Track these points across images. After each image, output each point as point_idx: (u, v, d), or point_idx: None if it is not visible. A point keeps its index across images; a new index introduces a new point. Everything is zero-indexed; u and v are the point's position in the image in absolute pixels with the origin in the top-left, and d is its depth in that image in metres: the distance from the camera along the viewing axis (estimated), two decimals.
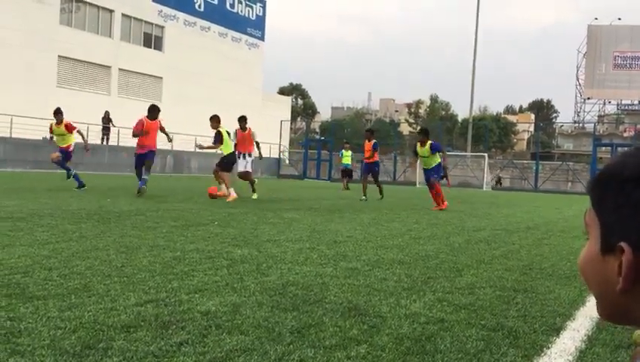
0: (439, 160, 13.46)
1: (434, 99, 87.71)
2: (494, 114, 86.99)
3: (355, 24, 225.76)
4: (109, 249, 5.00)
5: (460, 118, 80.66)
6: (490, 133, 59.97)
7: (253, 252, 5.24)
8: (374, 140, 15.97)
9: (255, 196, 12.96)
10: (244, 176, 13.60)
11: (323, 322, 3.00)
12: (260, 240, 6.04)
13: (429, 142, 13.26)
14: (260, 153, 13.83)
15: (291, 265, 4.63)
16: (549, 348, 2.83)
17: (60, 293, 3.31)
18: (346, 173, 23.31)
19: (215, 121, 13.15)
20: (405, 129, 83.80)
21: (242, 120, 13.74)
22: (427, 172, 13.62)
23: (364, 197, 15.07)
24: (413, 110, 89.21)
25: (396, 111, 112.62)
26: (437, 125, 62.03)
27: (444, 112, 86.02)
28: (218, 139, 13.06)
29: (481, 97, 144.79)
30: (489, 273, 4.76)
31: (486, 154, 40.60)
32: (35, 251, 4.68)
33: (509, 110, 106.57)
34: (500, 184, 39.65)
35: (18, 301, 3.09)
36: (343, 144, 26.17)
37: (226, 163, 13.06)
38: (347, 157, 23.61)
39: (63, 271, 3.92)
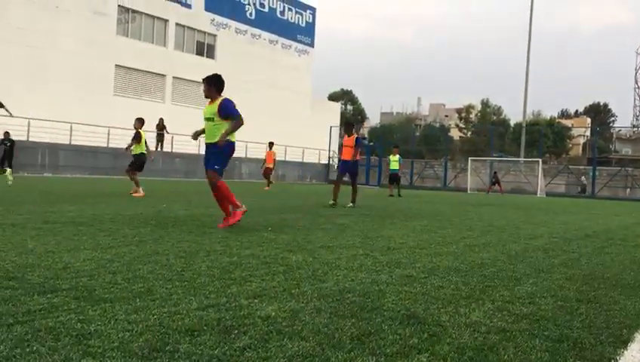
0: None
1: (485, 104, 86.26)
2: (548, 118, 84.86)
3: (406, 29, 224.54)
4: (168, 253, 5.12)
5: (512, 123, 79.08)
6: (544, 138, 58.50)
7: (307, 258, 5.27)
8: (357, 135, 13.76)
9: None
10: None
11: (382, 329, 2.99)
12: (313, 246, 6.08)
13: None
14: None
15: (346, 272, 4.64)
16: (616, 360, 2.75)
17: (125, 297, 3.42)
18: (394, 178, 23.02)
19: (139, 122, 15.09)
20: (456, 134, 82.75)
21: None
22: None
23: (332, 202, 12.96)
24: (463, 115, 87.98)
25: (446, 116, 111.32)
26: (489, 130, 60.99)
27: (495, 117, 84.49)
28: (136, 138, 14.96)
29: (535, 101, 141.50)
30: (549, 282, 4.65)
31: (540, 160, 39.66)
32: (98, 255, 4.84)
33: (564, 114, 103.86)
34: (584, 191, 38.20)
35: (86, 303, 3.20)
36: (392, 149, 26.02)
37: (139, 164, 15.15)
38: (395, 162, 23.36)
39: (126, 275, 4.04)
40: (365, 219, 9.94)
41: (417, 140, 65.36)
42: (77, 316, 2.94)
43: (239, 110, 7.64)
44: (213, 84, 7.76)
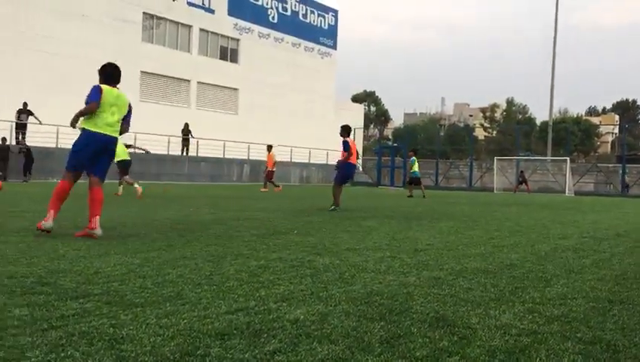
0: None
1: (510, 102, 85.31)
2: (575, 116, 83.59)
3: (428, 29, 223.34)
4: (196, 257, 5.17)
5: (538, 122, 78.09)
6: (571, 136, 57.67)
7: (334, 261, 5.27)
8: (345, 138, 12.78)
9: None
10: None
11: (412, 332, 2.98)
12: (340, 249, 6.08)
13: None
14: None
15: (374, 274, 4.63)
16: None
17: (155, 301, 3.46)
18: (414, 180, 23.16)
19: None
20: (480, 133, 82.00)
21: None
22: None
23: (335, 208, 12.17)
24: (488, 114, 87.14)
25: (471, 115, 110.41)
26: (514, 129, 60.31)
27: (520, 116, 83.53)
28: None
29: (561, 99, 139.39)
30: (580, 283, 4.58)
31: (568, 158, 39.09)
32: (128, 260, 4.90)
33: (592, 112, 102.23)
34: (628, 189, 37.25)
35: (118, 308, 3.25)
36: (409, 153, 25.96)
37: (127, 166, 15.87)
38: (416, 164, 23.50)
39: (156, 280, 4.09)
40: (391, 221, 9.91)
41: (442, 140, 64.95)
42: (109, 321, 2.99)
43: (93, 96, 6.54)
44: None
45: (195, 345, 2.65)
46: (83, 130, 6.63)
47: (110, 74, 6.77)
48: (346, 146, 12.65)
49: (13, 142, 25.15)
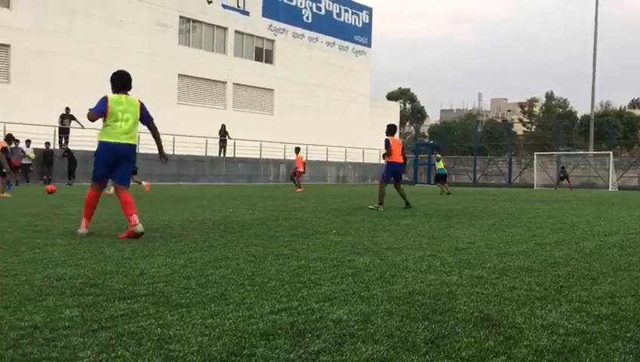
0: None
1: (550, 96, 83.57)
2: (618, 109, 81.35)
3: (465, 25, 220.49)
4: (238, 258, 5.23)
5: (579, 115, 76.30)
6: (614, 129, 56.16)
7: (375, 260, 5.26)
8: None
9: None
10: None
11: (456, 332, 2.96)
12: (380, 248, 6.06)
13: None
14: None
15: (415, 274, 4.61)
16: None
17: (200, 301, 3.51)
18: (441, 177, 24.18)
19: None
20: (519, 129, 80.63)
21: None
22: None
23: (380, 207, 12.19)
24: (527, 109, 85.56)
25: (509, 110, 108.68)
26: (554, 123, 59.09)
27: (561, 110, 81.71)
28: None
29: (603, 92, 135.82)
30: (628, 281, 4.46)
31: (610, 153, 38.12)
32: (172, 261, 4.99)
33: (635, 104, 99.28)
34: None
35: (164, 309, 3.31)
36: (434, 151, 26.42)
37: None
38: (440, 161, 24.89)
39: (199, 280, 4.15)
40: (430, 220, 9.83)
41: (479, 136, 64.07)
42: (156, 321, 3.05)
43: (97, 106, 6.75)
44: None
45: (241, 344, 2.68)
46: (99, 142, 6.83)
47: (119, 81, 6.89)
48: (386, 144, 12.75)
49: (57, 147, 25.86)
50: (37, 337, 2.73)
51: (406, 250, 5.95)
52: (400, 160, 12.98)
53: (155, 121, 7.29)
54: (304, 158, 25.35)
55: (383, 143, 12.85)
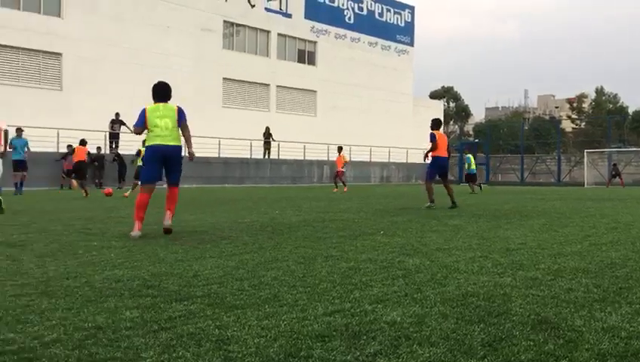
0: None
1: (599, 92, 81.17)
2: None
3: (509, 21, 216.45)
4: (288, 259, 5.27)
5: (630, 111, 73.88)
6: None
7: (425, 261, 5.23)
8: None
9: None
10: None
11: (513, 335, 2.91)
12: (429, 249, 6.02)
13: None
14: None
15: (467, 275, 4.56)
16: None
17: (254, 303, 3.56)
18: (471, 177, 24.35)
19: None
20: (568, 126, 78.61)
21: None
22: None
23: (433, 205, 12.26)
24: (575, 105, 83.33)
25: (556, 107, 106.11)
26: (605, 119, 57.40)
27: (611, 105, 79.28)
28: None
29: None
30: None
31: None
32: (223, 263, 5.07)
33: None
34: None
35: (220, 310, 3.37)
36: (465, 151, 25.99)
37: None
38: (472, 161, 24.86)
39: (252, 282, 4.21)
40: (478, 220, 9.69)
41: (526, 134, 62.76)
42: (214, 322, 3.11)
43: (138, 120, 7.47)
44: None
45: (298, 346, 2.71)
46: (146, 147, 7.49)
47: (158, 92, 7.50)
48: (432, 138, 12.55)
49: (107, 151, 26.58)
50: (100, 338, 2.82)
51: (456, 251, 5.89)
52: (445, 154, 12.70)
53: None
54: (346, 158, 25.29)
55: (429, 137, 12.65)
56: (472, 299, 3.70)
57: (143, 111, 7.38)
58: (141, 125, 7.38)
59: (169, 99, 7.55)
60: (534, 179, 41.93)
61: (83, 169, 18.91)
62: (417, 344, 2.76)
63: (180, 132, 7.45)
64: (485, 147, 45.00)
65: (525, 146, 48.53)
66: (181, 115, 7.46)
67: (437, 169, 12.77)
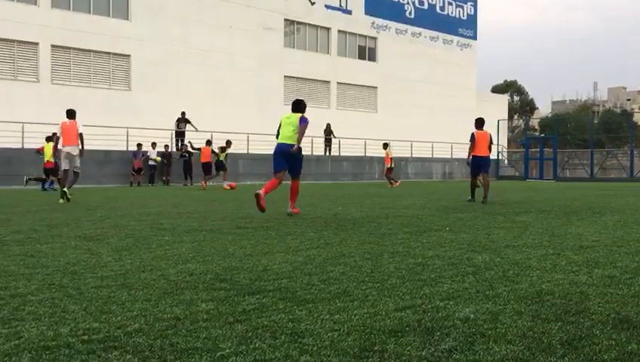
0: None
1: None
2: None
3: (578, 10, 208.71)
4: (354, 255, 5.29)
5: None
6: None
7: (494, 258, 5.13)
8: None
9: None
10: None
11: (594, 334, 2.83)
12: (497, 246, 5.90)
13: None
14: None
15: (540, 273, 4.45)
16: None
17: (324, 297, 3.59)
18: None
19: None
20: None
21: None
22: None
23: (472, 200, 13.20)
24: None
25: (628, 99, 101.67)
26: None
27: None
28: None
29: None
30: None
31: None
32: (291, 258, 5.14)
33: None
34: None
35: (292, 304, 3.43)
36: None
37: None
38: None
39: (321, 277, 4.24)
40: (547, 216, 9.42)
41: (596, 128, 60.44)
42: (286, 315, 3.16)
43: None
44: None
45: (371, 341, 2.72)
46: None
47: (293, 106, 9.93)
48: (471, 138, 13.49)
49: (174, 149, 27.35)
50: (180, 328, 2.92)
51: (526, 248, 5.75)
52: (484, 153, 13.39)
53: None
54: (390, 154, 25.52)
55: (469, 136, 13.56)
56: (548, 297, 3.61)
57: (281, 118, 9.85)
58: (277, 131, 9.73)
59: (302, 112, 9.72)
60: (605, 174, 40.34)
61: (209, 168, 23.00)
62: (493, 341, 2.72)
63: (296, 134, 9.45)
64: (553, 142, 43.59)
65: (595, 140, 46.74)
66: (301, 121, 9.54)
67: (475, 167, 13.61)
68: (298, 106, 9.76)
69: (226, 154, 23.03)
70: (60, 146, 13.08)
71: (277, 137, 9.62)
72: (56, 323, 3.02)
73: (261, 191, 8.86)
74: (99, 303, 3.47)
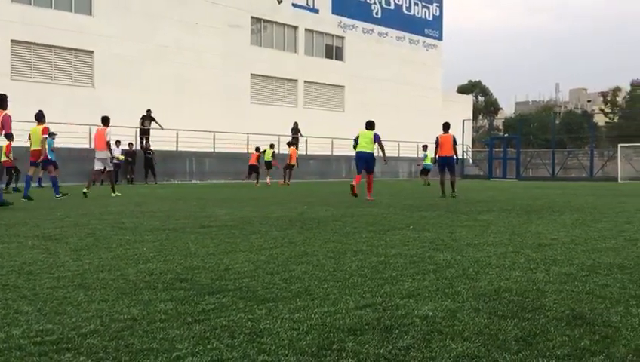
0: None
1: (636, 85, 79.35)
2: None
3: (539, 13, 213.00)
4: (317, 254, 5.29)
5: None
6: None
7: (455, 256, 5.19)
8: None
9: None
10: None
11: (548, 331, 2.88)
12: (459, 244, 5.97)
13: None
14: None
15: (499, 270, 4.52)
16: None
17: (285, 296, 3.58)
18: (426, 172, 27.28)
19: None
20: (601, 120, 77.12)
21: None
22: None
23: (443, 196, 14.84)
24: (609, 98, 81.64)
25: (589, 101, 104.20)
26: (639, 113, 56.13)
27: None
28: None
29: None
30: None
31: None
32: (254, 257, 5.11)
33: None
34: None
35: (252, 303, 3.41)
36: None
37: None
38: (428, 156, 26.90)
39: (283, 276, 4.23)
40: (509, 215, 9.58)
41: (557, 129, 61.74)
42: (246, 315, 3.14)
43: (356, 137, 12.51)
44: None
45: (330, 339, 2.72)
46: (356, 152, 13.71)
47: (366, 125, 13.82)
48: (435, 141, 15.37)
49: (138, 147, 26.95)
50: (136, 329, 2.88)
51: (487, 246, 5.84)
52: (446, 153, 15.01)
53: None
54: (296, 153, 26.97)
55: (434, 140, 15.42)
56: (505, 295, 3.67)
57: (359, 132, 13.77)
58: (355, 140, 13.73)
59: (372, 129, 13.70)
60: (566, 174, 41.26)
61: (254, 170, 24.88)
62: (450, 338, 2.75)
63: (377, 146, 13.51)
64: (516, 141, 44.38)
65: (557, 141, 47.75)
66: (375, 137, 13.56)
67: (441, 166, 15.34)
68: (371, 125, 13.82)
69: (273, 152, 25.66)
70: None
71: (354, 147, 13.49)
72: (8, 325, 2.94)
73: (354, 183, 13.74)
74: (54, 304, 3.39)
